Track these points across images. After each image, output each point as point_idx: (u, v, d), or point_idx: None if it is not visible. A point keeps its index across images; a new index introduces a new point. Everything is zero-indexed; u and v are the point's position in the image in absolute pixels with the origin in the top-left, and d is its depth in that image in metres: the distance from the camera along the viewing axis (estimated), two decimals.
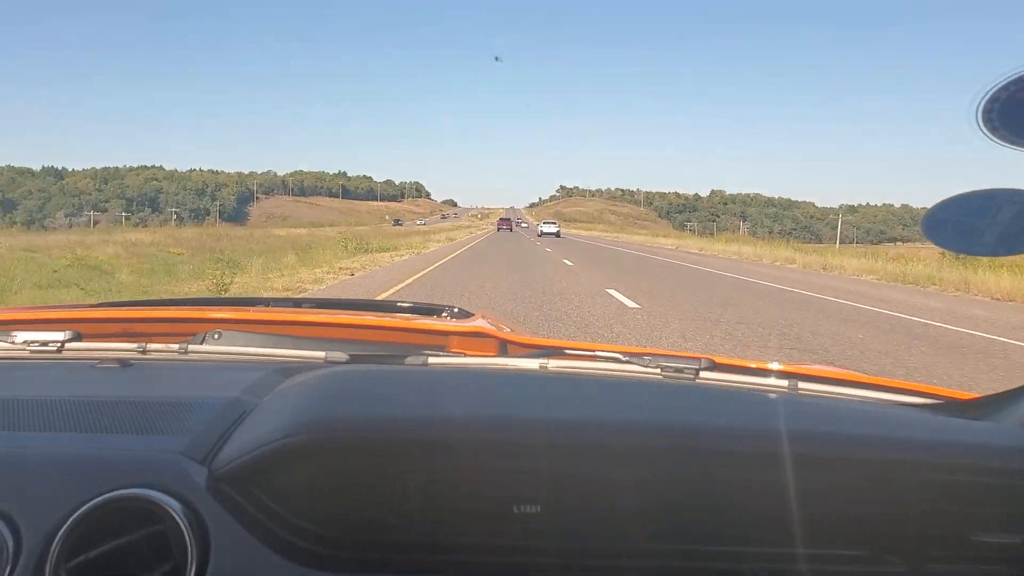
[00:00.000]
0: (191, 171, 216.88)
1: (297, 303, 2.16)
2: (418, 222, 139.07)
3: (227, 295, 9.77)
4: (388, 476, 0.76)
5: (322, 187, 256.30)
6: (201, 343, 1.19)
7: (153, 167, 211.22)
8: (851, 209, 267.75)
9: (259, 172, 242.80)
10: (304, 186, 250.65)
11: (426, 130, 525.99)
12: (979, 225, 0.66)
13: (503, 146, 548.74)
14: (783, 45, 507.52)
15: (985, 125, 0.56)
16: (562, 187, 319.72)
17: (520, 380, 0.97)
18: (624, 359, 1.05)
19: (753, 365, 1.11)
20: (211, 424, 0.82)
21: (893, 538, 0.78)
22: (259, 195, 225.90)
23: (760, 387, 1.01)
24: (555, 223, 65.38)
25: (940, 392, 1.08)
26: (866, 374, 1.29)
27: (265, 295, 10.40)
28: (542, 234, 56.28)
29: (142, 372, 1.02)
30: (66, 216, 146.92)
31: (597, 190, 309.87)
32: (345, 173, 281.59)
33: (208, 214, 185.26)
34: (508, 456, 0.77)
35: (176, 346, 1.12)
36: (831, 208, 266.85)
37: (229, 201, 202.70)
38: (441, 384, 0.92)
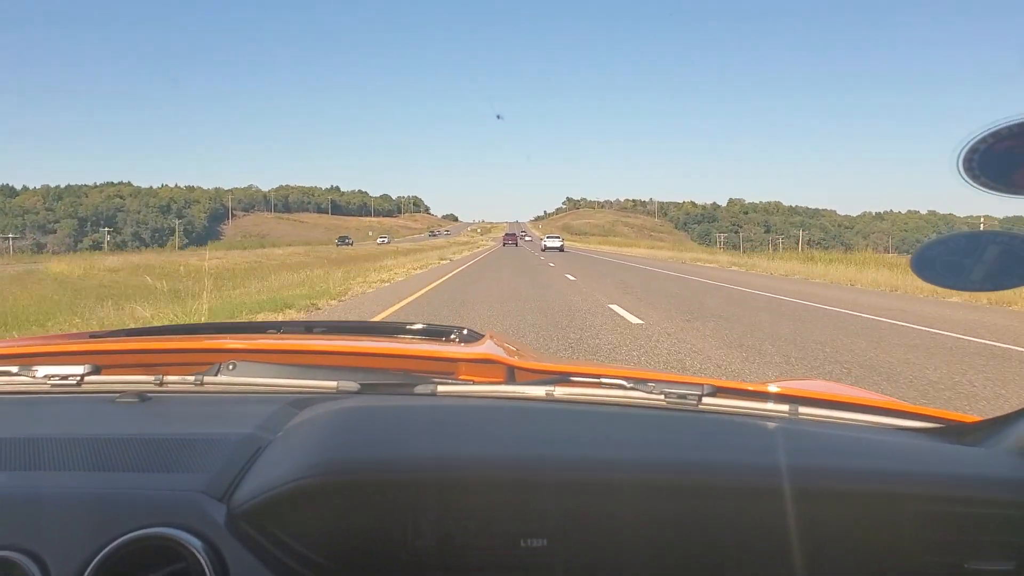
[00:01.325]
0: (163, 187, 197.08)
1: (308, 327, 2.16)
2: (379, 240, 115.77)
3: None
4: (400, 514, 0.79)
5: (310, 203, 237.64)
6: (216, 374, 1.21)
7: (120, 183, 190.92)
8: (878, 217, 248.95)
9: (240, 187, 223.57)
10: (289, 202, 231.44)
11: (426, 144, 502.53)
12: (965, 264, 0.69)
13: (506, 159, 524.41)
14: (796, 45, 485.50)
15: (967, 174, 0.61)
16: (568, 199, 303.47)
17: (527, 413, 0.99)
18: (628, 386, 1.07)
19: (752, 388, 1.14)
20: (228, 462, 0.84)
21: (892, 567, 0.80)
22: (237, 212, 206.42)
23: (761, 413, 1.02)
24: (559, 237, 64.39)
25: (940, 415, 1.09)
26: (866, 391, 1.33)
27: None
28: (545, 248, 55.52)
29: (160, 407, 1.05)
30: (3, 239, 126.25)
31: (606, 201, 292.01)
32: (338, 188, 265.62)
33: (173, 234, 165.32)
34: (515, 493, 0.80)
35: (192, 378, 1.14)
36: (852, 216, 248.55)
37: (199, 219, 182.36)
38: (450, 420, 0.95)
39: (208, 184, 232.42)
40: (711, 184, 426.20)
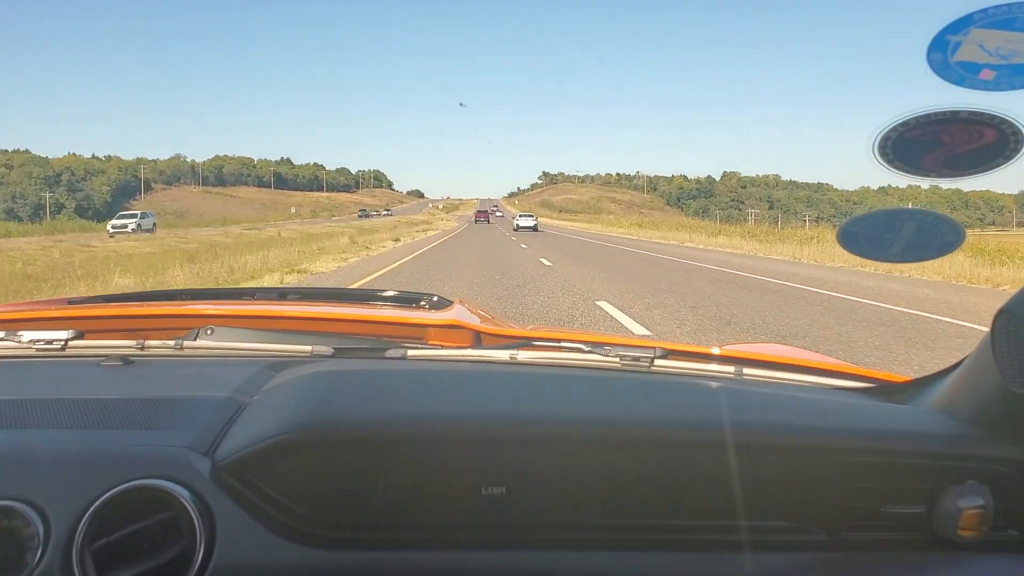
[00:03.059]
0: (70, 155, 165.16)
1: (283, 293, 2.19)
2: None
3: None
4: (372, 466, 0.86)
5: (250, 175, 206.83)
6: (195, 339, 1.26)
7: (14, 151, 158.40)
8: (882, 191, 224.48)
9: (165, 159, 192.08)
10: (223, 174, 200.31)
11: (390, 117, 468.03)
12: (887, 238, 0.77)
13: (477, 133, 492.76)
14: (790, 7, 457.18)
15: (881, 158, 0.68)
16: (545, 173, 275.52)
17: (490, 375, 1.07)
18: (586, 349, 1.14)
19: (702, 351, 1.24)
20: (211, 420, 0.90)
21: (816, 511, 0.88)
22: (158, 185, 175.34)
23: (707, 374, 1.12)
24: (532, 216, 57.86)
25: (874, 375, 1.18)
26: (818, 355, 1.45)
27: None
28: (518, 228, 50.95)
29: (143, 370, 1.11)
30: None
31: (586, 175, 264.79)
32: (289, 160, 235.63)
33: (61, 209, 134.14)
34: (477, 447, 0.87)
35: (172, 342, 1.19)
36: (850, 191, 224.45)
37: (100, 192, 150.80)
38: (418, 380, 1.02)
39: (131, 155, 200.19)
40: (702, 157, 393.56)
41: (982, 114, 0.65)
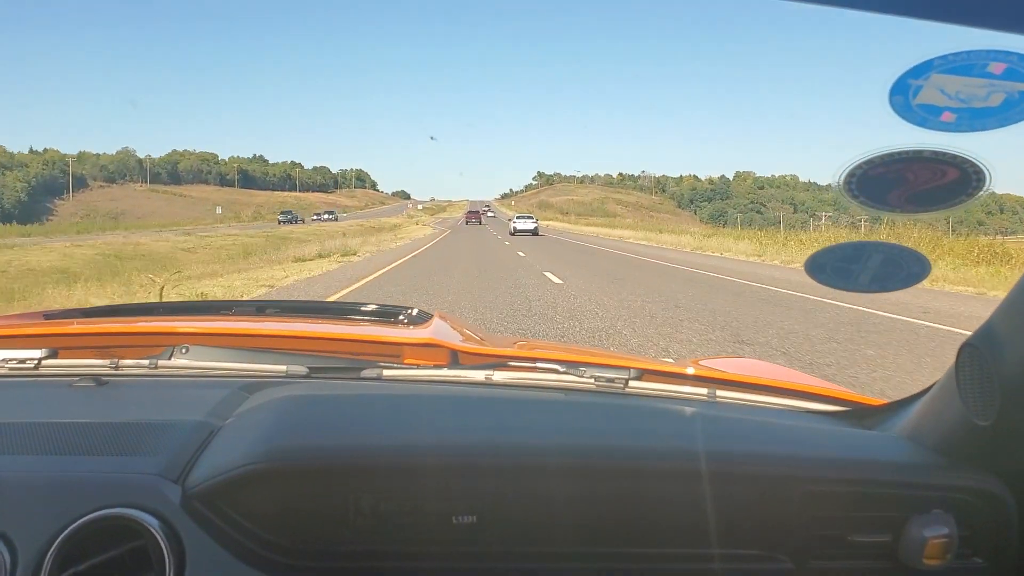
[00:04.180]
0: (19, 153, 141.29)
1: (260, 308, 2.19)
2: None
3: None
4: (344, 495, 0.86)
5: (210, 172, 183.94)
6: (170, 358, 1.26)
7: None
8: None
9: (111, 153, 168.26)
10: (180, 171, 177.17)
11: (376, 114, 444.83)
12: (853, 269, 0.78)
13: (467, 132, 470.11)
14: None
15: (847, 193, 0.69)
16: (540, 174, 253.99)
17: (465, 398, 1.09)
18: (562, 370, 1.17)
19: (675, 371, 1.26)
20: (183, 446, 0.90)
21: (784, 539, 0.90)
22: (98, 182, 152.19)
23: (681, 396, 1.14)
24: (532, 217, 50.44)
25: (849, 397, 1.19)
26: (791, 371, 1.43)
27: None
28: (515, 232, 43.81)
29: (116, 391, 1.11)
30: None
31: (584, 176, 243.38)
32: (262, 157, 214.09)
33: None
34: (450, 476, 0.87)
35: (147, 362, 1.19)
36: None
37: (13, 189, 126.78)
38: (392, 404, 1.04)
39: (77, 149, 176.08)
40: (710, 157, 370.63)
41: (944, 154, 0.67)
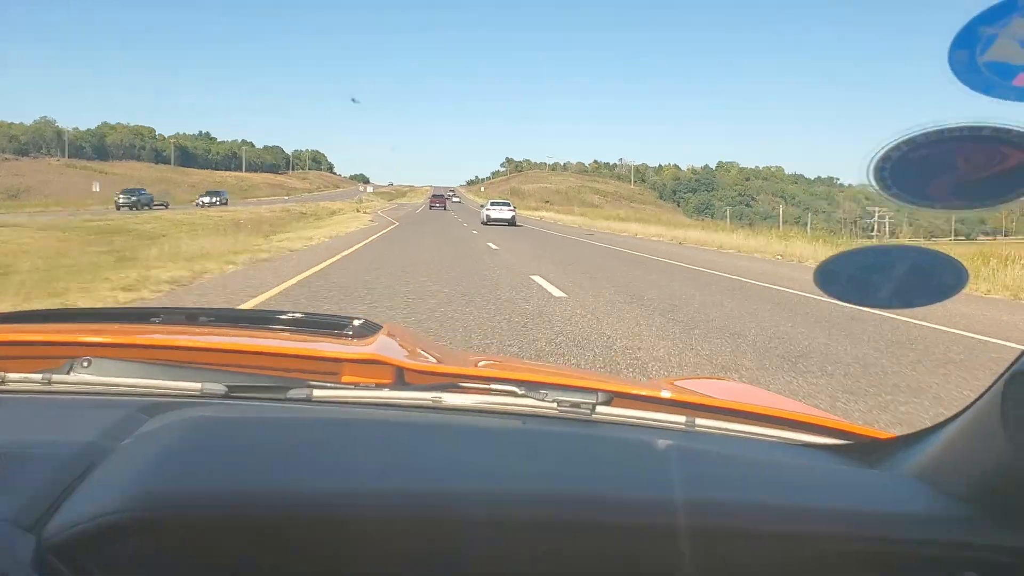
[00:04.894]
0: None
1: (192, 316, 1.94)
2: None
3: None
4: (246, 553, 0.71)
5: (144, 147, 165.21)
6: (68, 372, 1.10)
7: None
8: None
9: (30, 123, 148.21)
10: (107, 145, 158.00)
11: (336, 95, 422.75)
12: (873, 279, 0.67)
13: (431, 116, 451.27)
14: None
15: (877, 183, 0.57)
16: (509, 160, 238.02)
17: (407, 426, 0.93)
18: (520, 392, 1.05)
19: (648, 394, 1.13)
20: (48, 483, 0.74)
21: None
22: (4, 155, 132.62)
23: (656, 424, 1.01)
24: (509, 204, 41.72)
25: (848, 428, 1.07)
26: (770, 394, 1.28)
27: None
28: (489, 221, 36.96)
29: None
30: None
31: (556, 163, 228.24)
32: (208, 134, 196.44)
33: None
34: (377, 531, 0.72)
35: (40, 376, 1.04)
36: (856, 187, 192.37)
37: None
38: (318, 435, 0.86)
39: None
40: (691, 145, 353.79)
41: (1010, 131, 0.53)
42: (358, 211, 46.56)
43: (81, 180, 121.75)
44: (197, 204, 61.85)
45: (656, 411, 1.04)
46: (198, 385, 1.04)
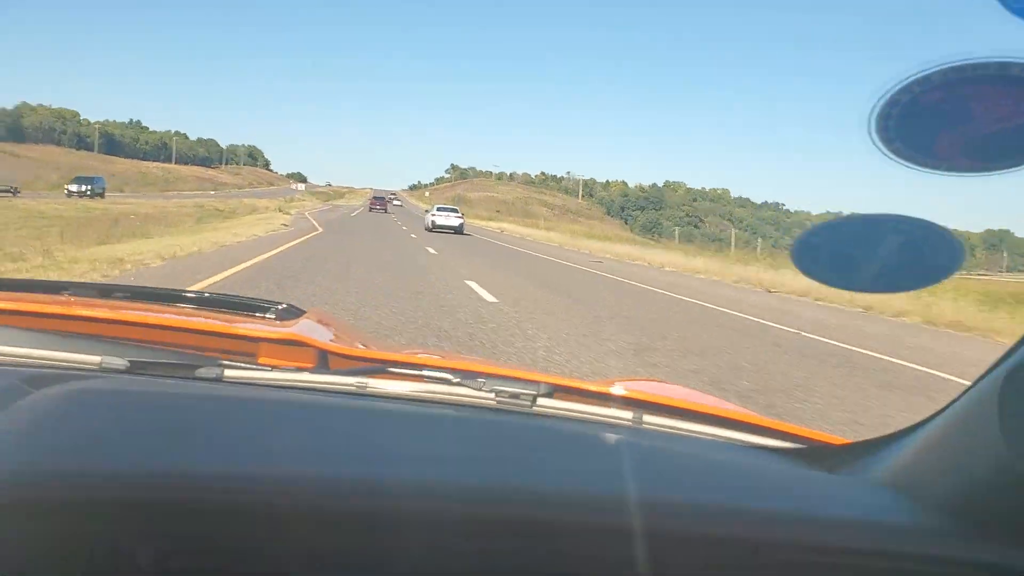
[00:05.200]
0: None
1: (105, 292, 1.82)
2: None
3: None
4: (112, 541, 0.62)
5: (65, 132, 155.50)
6: None
7: None
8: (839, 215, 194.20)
9: None
10: (24, 126, 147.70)
11: (277, 91, 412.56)
12: (857, 256, 0.58)
13: (378, 116, 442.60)
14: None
15: (880, 136, 0.48)
16: (454, 166, 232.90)
17: (327, 413, 0.84)
18: (455, 380, 0.98)
19: (594, 389, 1.07)
20: None
21: None
22: None
23: (602, 420, 0.96)
24: (456, 211, 38.98)
25: (801, 433, 1.02)
26: (714, 399, 1.27)
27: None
28: (434, 227, 35.31)
29: None
30: None
31: (503, 173, 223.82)
32: (140, 123, 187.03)
33: None
34: (290, 521, 0.64)
35: None
36: (817, 215, 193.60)
37: None
38: (223, 415, 0.78)
39: None
40: (639, 163, 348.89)
41: None
42: (279, 211, 40.21)
43: None
44: (66, 193, 51.24)
45: (601, 406, 0.98)
46: (97, 358, 0.96)
